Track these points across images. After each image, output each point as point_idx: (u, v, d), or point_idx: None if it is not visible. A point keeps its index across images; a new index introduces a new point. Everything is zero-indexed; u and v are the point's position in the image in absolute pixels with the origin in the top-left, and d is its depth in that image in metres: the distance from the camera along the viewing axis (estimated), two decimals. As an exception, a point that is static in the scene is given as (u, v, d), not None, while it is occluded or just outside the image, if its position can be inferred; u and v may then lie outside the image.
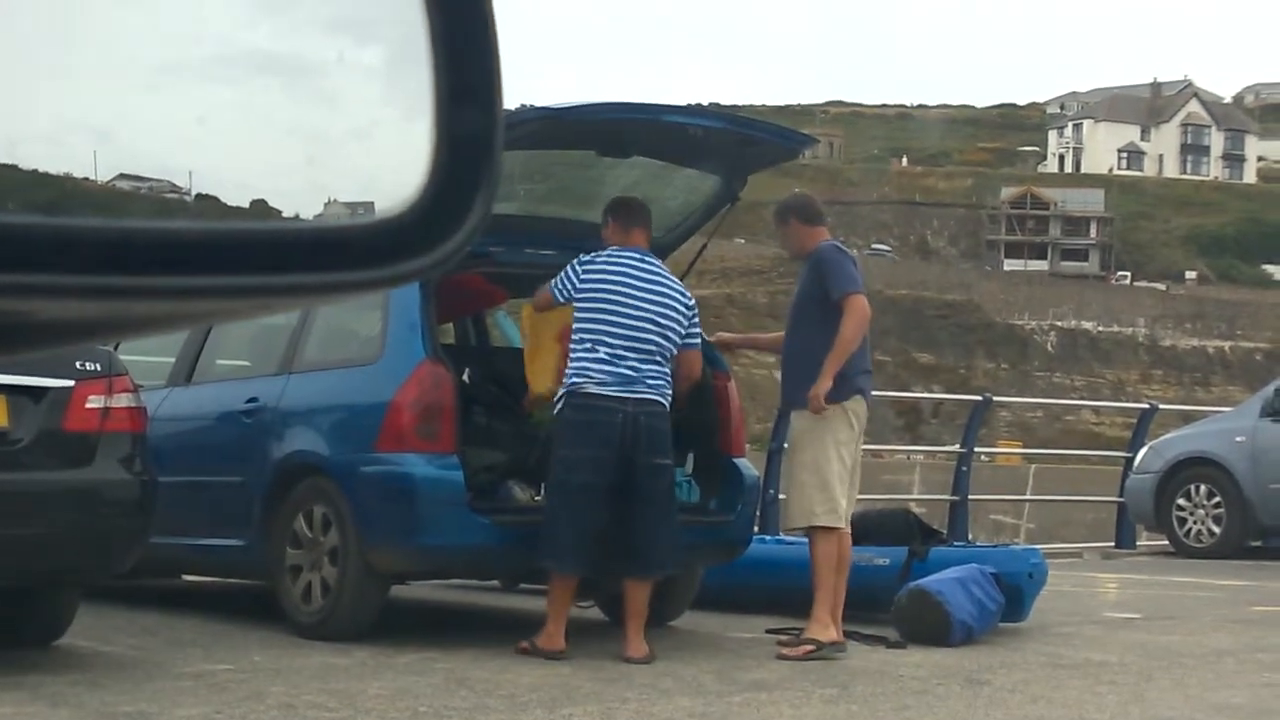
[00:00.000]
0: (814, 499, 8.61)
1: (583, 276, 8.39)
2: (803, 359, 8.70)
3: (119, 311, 1.11)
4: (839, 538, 8.70)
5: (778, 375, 9.39)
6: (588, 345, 8.31)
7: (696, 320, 8.63)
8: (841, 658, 8.40)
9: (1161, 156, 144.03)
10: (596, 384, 8.25)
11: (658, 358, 8.36)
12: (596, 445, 8.22)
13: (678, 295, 8.53)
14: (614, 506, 8.27)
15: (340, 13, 1.30)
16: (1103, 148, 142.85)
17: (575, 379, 8.31)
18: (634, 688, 7.49)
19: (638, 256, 8.52)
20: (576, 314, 8.39)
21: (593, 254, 8.52)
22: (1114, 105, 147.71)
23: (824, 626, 8.50)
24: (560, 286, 8.48)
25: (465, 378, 9.19)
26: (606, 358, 8.27)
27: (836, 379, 8.54)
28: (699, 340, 8.71)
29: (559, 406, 8.38)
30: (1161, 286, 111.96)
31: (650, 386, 8.31)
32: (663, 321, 8.41)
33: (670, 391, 8.43)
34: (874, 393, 9.37)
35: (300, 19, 1.29)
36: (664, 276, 8.56)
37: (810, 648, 8.41)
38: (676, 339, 8.47)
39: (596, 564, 8.40)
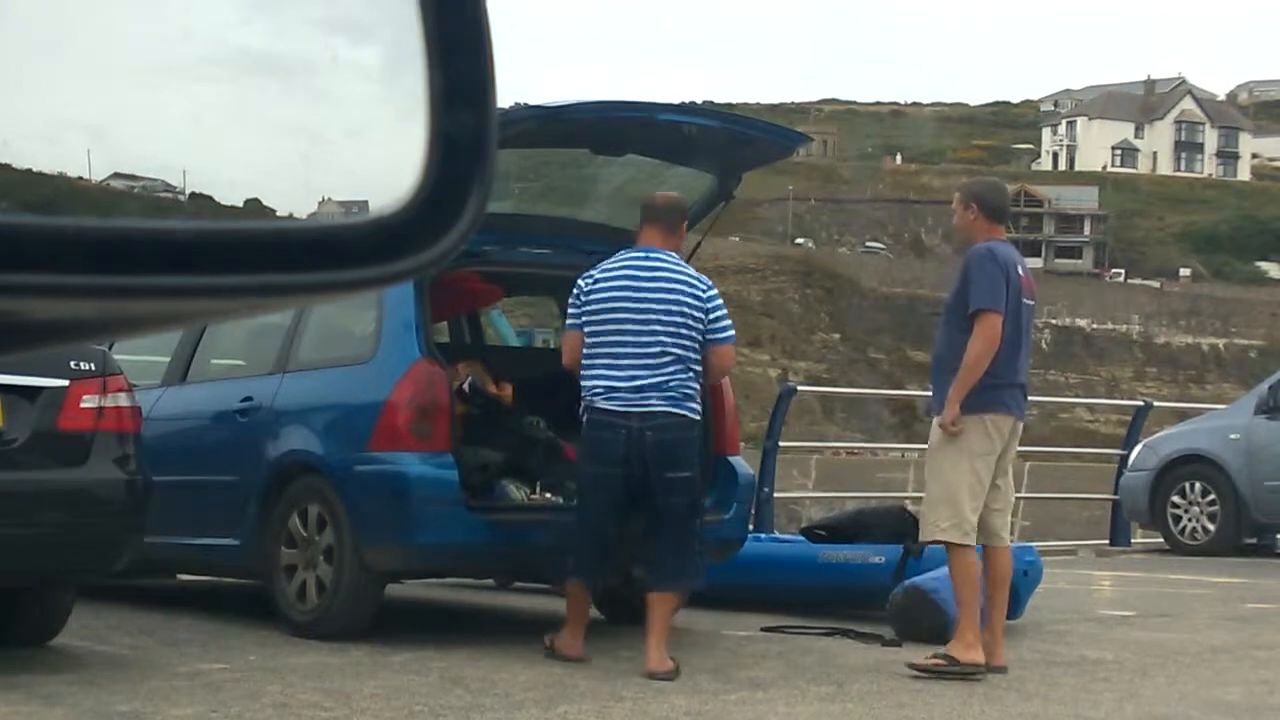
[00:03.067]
0: (940, 513, 8.24)
1: (586, 293, 8.06)
2: (945, 364, 8.31)
3: (113, 311, 1.11)
4: (995, 554, 8.39)
5: (772, 373, 9.38)
6: (595, 358, 8.00)
7: (718, 311, 8.09)
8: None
9: (1155, 154, 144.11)
10: (604, 398, 7.96)
11: (671, 363, 7.93)
12: (603, 462, 7.99)
13: (686, 289, 8.04)
14: (633, 519, 8.10)
15: (334, 13, 1.29)
16: (1096, 145, 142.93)
17: (586, 395, 8.05)
18: (629, 686, 7.49)
19: (640, 256, 8.12)
20: (588, 325, 8.06)
21: (590, 270, 8.26)
22: (1108, 102, 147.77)
23: (966, 646, 8.04)
24: (571, 315, 8.17)
25: (466, 387, 9.19)
26: (613, 371, 7.94)
27: (976, 390, 8.13)
28: (725, 333, 8.12)
29: (583, 419, 8.16)
30: (1156, 284, 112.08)
31: (663, 397, 7.90)
32: (671, 321, 7.95)
33: (691, 398, 8.00)
34: (868, 390, 9.34)
35: (294, 19, 1.29)
36: (671, 271, 8.08)
37: (941, 661, 8.00)
38: (693, 336, 8.00)
39: (609, 574, 8.33)
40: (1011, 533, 20.32)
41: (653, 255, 8.10)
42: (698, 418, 8.04)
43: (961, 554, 8.23)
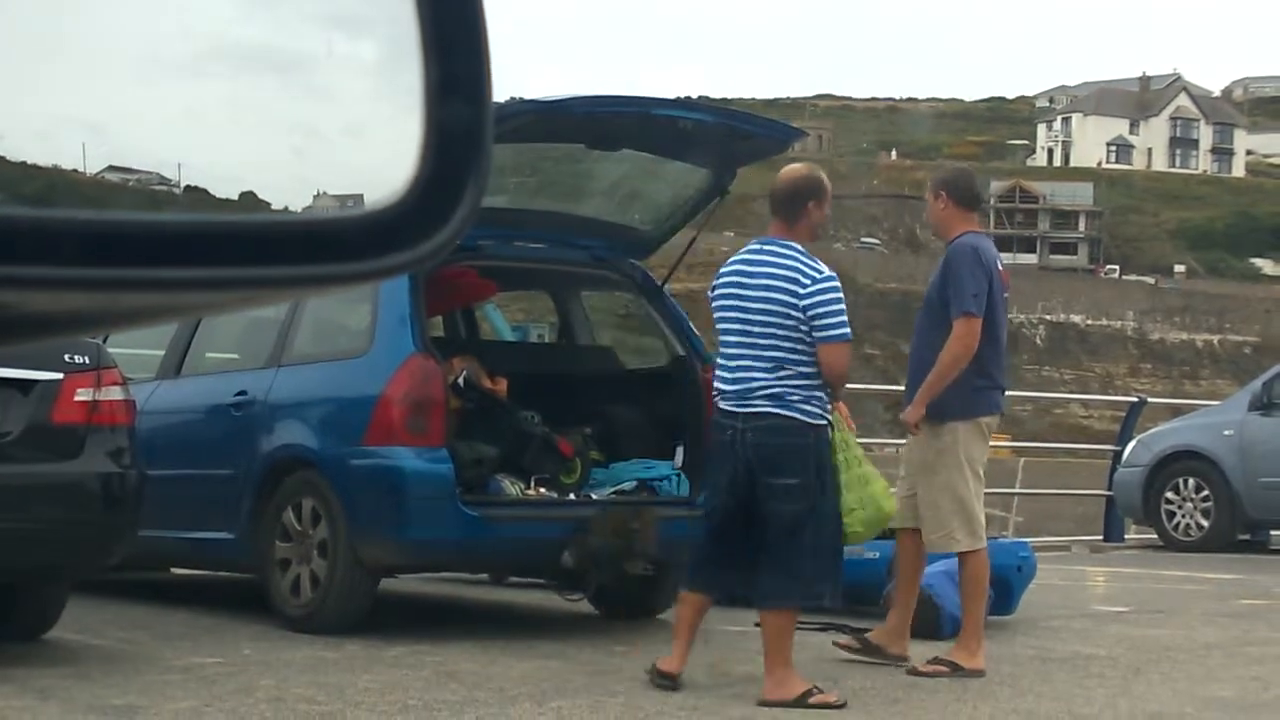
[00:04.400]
0: (953, 524, 8.13)
1: (712, 289, 7.62)
2: (925, 365, 8.19)
3: (108, 304, 1.11)
4: (908, 536, 8.36)
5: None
6: (719, 358, 7.61)
7: (821, 307, 7.32)
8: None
9: (1150, 150, 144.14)
10: (719, 399, 7.54)
11: (773, 362, 7.34)
12: (718, 466, 7.61)
13: (783, 285, 7.37)
14: (748, 528, 7.49)
15: (331, 8, 1.30)
16: (1091, 141, 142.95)
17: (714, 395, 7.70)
18: (623, 681, 7.49)
19: (755, 249, 7.57)
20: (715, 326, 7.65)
21: None
22: (1103, 99, 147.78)
23: (970, 653, 8.00)
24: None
25: (461, 381, 9.19)
26: (723, 371, 7.49)
27: (968, 393, 8.04)
28: (827, 331, 7.33)
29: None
30: (1150, 280, 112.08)
31: (767, 398, 7.34)
32: (768, 320, 7.35)
33: (804, 400, 7.35)
34: (862, 386, 9.24)
35: (291, 13, 1.29)
36: (774, 265, 7.41)
37: (945, 668, 7.93)
38: (795, 335, 7.33)
39: (720, 587, 7.73)
40: (1005, 528, 20.32)
41: (765, 248, 7.51)
42: (813, 421, 7.36)
43: (978, 558, 8.17)
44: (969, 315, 7.98)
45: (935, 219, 8.49)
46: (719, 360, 7.59)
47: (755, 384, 7.33)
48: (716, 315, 7.55)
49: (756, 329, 7.35)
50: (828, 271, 7.45)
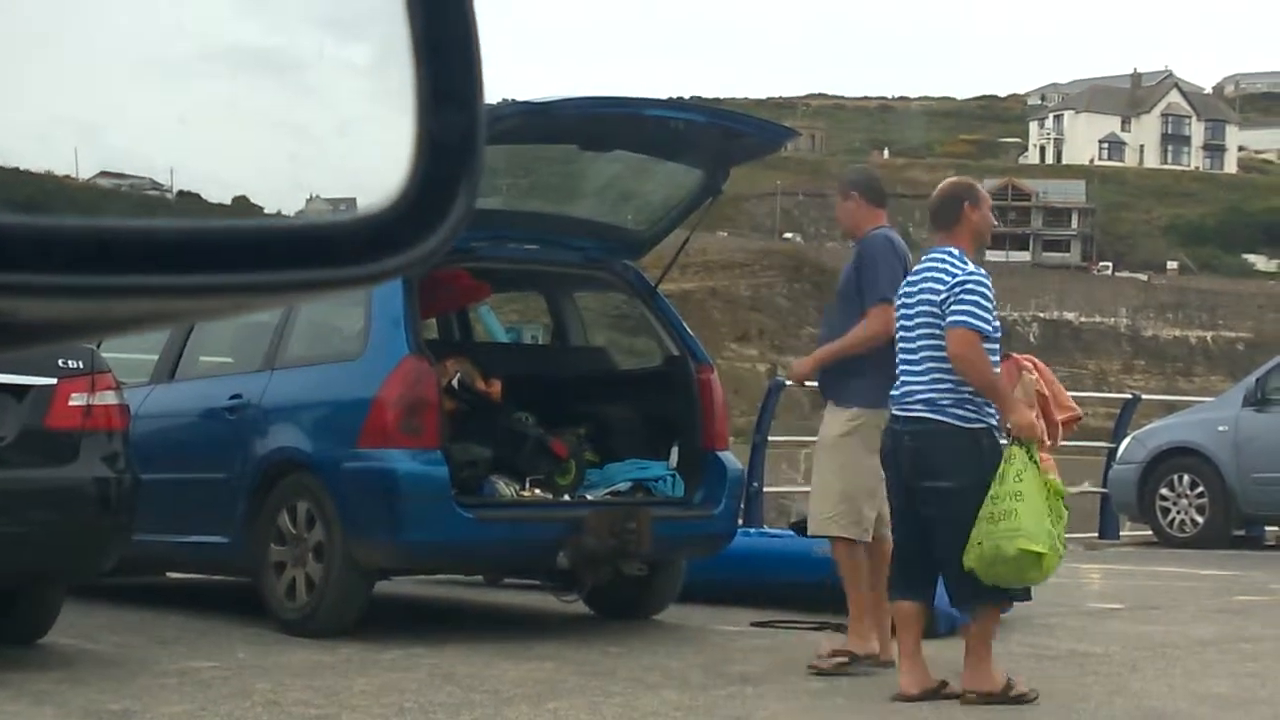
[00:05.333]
0: (836, 508, 8.12)
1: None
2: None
3: (100, 311, 1.11)
4: (876, 548, 8.15)
5: (761, 368, 9.32)
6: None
7: (957, 295, 7.29)
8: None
9: (1142, 147, 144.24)
10: (890, 404, 7.59)
11: (931, 366, 7.36)
12: (887, 470, 7.63)
13: (934, 288, 7.39)
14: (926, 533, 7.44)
15: (322, 11, 1.29)
16: (1083, 138, 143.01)
17: None
18: (619, 682, 7.49)
19: (923, 260, 7.65)
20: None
21: None
22: (1095, 96, 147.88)
23: (860, 639, 8.03)
24: None
25: (455, 383, 9.19)
26: (894, 374, 7.54)
27: (878, 383, 7.91)
28: (953, 317, 7.29)
29: None
30: (1143, 277, 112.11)
31: (922, 401, 7.37)
32: (924, 324, 7.41)
33: (958, 403, 7.33)
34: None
35: (284, 17, 1.29)
36: (931, 272, 7.45)
37: (843, 660, 7.95)
38: (941, 336, 7.35)
39: (920, 591, 7.55)
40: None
41: (929, 257, 7.58)
42: (967, 425, 7.30)
43: (853, 549, 8.12)
44: (886, 302, 7.97)
45: (846, 218, 8.53)
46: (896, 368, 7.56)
47: (911, 389, 7.41)
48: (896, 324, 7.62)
49: (911, 334, 7.45)
50: (973, 267, 7.46)
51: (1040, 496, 7.15)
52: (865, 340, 8.04)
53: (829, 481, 8.18)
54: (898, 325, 7.56)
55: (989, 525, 7.09)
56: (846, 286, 8.32)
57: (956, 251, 7.49)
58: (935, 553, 7.34)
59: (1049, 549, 7.14)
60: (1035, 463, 7.24)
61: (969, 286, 7.33)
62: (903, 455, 7.39)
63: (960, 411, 7.31)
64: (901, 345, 7.50)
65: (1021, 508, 7.09)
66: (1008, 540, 7.05)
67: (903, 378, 7.45)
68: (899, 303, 7.59)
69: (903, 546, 7.59)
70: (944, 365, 7.31)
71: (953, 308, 7.30)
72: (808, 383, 8.79)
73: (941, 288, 7.34)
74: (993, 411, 7.36)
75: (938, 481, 7.27)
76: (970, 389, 7.32)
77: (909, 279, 7.64)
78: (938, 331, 7.33)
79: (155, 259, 1.08)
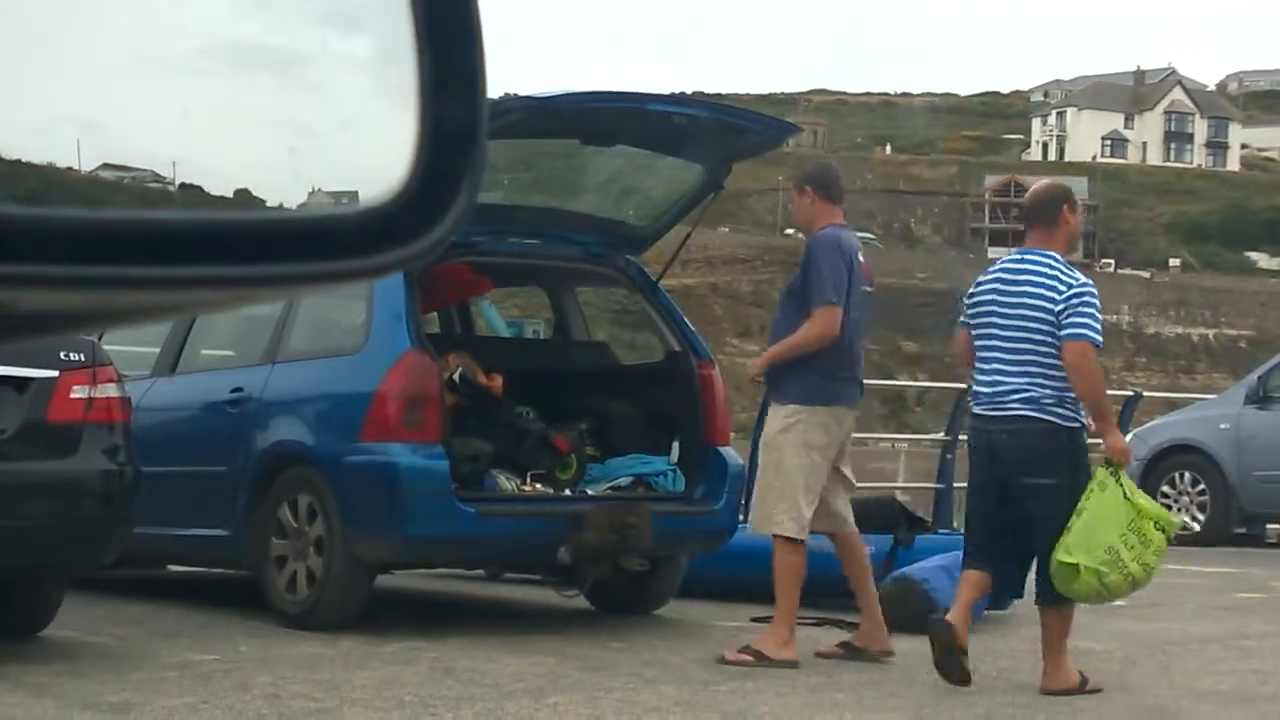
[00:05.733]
0: (779, 506, 8.19)
1: (969, 295, 7.90)
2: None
3: (102, 302, 1.11)
4: (849, 539, 8.36)
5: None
6: (977, 366, 7.81)
7: (1074, 308, 7.50)
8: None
9: (1145, 144, 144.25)
10: (975, 403, 7.87)
11: (1032, 367, 7.55)
12: (976, 467, 7.82)
13: (1046, 292, 7.57)
14: (1012, 527, 7.64)
15: (326, 5, 1.29)
16: (1086, 135, 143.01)
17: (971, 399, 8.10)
18: (619, 677, 7.49)
19: (1015, 260, 7.86)
20: (971, 333, 7.86)
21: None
22: (1097, 93, 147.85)
23: (779, 643, 8.08)
24: (963, 316, 7.98)
25: (456, 377, 9.19)
26: (982, 376, 7.73)
27: (815, 381, 8.15)
28: (1072, 329, 7.50)
29: None
30: (1145, 274, 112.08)
31: (1022, 400, 7.54)
32: (1031, 327, 7.56)
33: (1058, 403, 7.53)
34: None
35: (285, 11, 1.29)
36: (1037, 274, 7.62)
37: (749, 657, 7.97)
38: (1049, 339, 7.53)
39: (992, 565, 7.73)
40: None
41: (1026, 258, 7.75)
42: (1065, 424, 7.54)
43: (793, 549, 8.18)
44: (829, 304, 8.11)
45: (801, 213, 8.58)
46: (979, 367, 7.76)
47: (1008, 388, 7.55)
48: (974, 320, 7.77)
49: (1012, 334, 7.58)
50: (1083, 277, 7.70)
51: (1110, 517, 7.41)
52: (810, 341, 8.16)
53: (768, 479, 8.28)
54: (981, 323, 7.72)
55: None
56: (795, 285, 8.44)
57: (1059, 257, 7.70)
58: (1033, 546, 7.56)
59: (1096, 564, 7.35)
60: (1121, 485, 7.50)
61: (1086, 299, 7.55)
62: (1001, 452, 7.57)
63: (1061, 410, 7.53)
64: (990, 344, 7.67)
65: (1078, 523, 7.39)
66: (1059, 550, 7.39)
67: (994, 377, 7.63)
68: (980, 300, 7.75)
69: (982, 539, 7.72)
70: (1050, 368, 7.51)
71: (1072, 319, 7.50)
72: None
73: (1055, 295, 7.53)
74: (1084, 411, 7.60)
75: (1041, 478, 7.48)
76: (1070, 390, 7.53)
77: (999, 276, 7.77)
78: (1048, 336, 7.52)
79: (157, 251, 1.08)
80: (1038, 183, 8.18)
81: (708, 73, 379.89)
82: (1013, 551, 7.69)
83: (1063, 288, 7.54)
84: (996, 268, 7.95)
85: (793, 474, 8.16)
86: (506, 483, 9.12)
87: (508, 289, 12.36)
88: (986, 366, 7.67)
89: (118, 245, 1.06)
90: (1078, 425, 7.58)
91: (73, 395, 7.68)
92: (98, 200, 1.27)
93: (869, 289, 8.54)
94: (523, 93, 8.97)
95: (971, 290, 7.87)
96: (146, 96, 1.21)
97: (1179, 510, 16.94)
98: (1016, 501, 7.55)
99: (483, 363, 9.65)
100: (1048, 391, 7.52)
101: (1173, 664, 8.43)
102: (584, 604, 9.71)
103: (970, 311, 7.83)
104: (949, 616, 7.51)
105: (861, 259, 8.45)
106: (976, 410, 7.80)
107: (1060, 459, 7.52)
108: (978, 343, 7.75)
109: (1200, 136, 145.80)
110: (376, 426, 8.60)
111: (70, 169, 1.21)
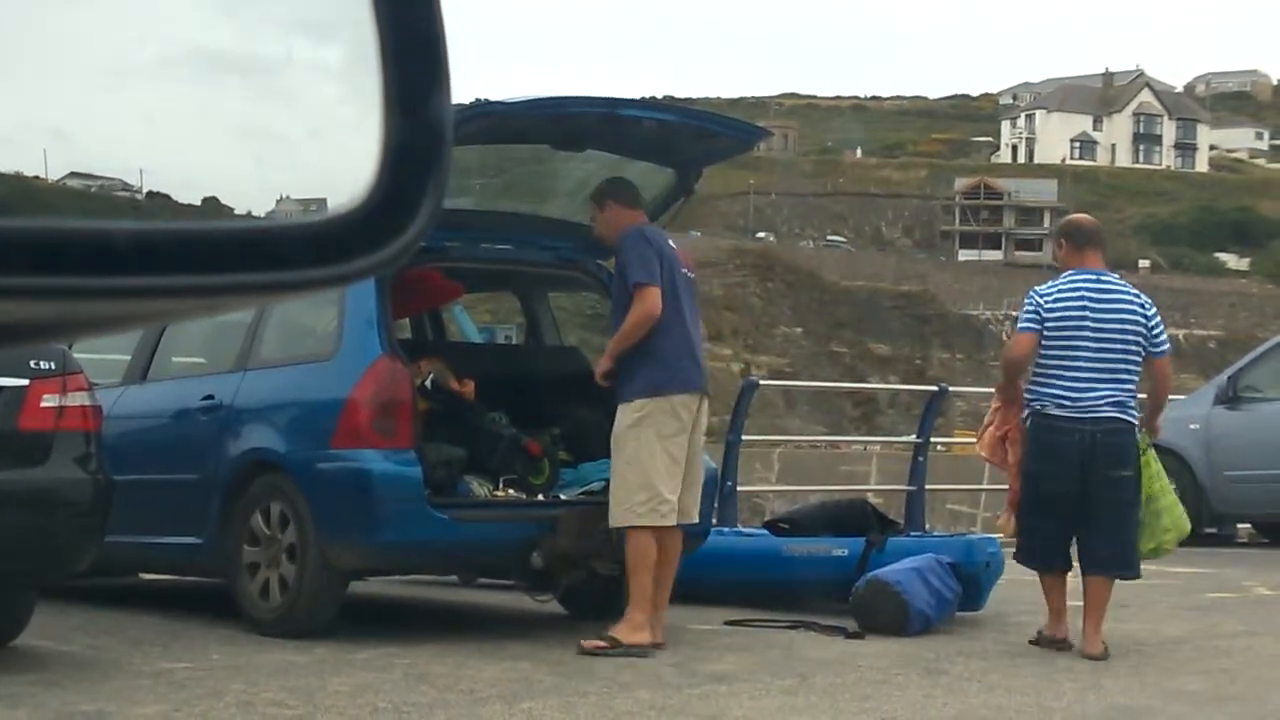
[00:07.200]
0: (636, 497, 8.28)
1: (1047, 306, 8.74)
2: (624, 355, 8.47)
3: (62, 313, 1.10)
4: (665, 535, 8.36)
5: (734, 367, 9.33)
6: (1055, 371, 8.70)
7: (1159, 327, 8.90)
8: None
9: (1114, 146, 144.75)
10: (1058, 407, 8.68)
11: (1121, 375, 8.72)
12: (1056, 462, 8.69)
13: (1135, 310, 8.81)
14: (1079, 512, 8.78)
15: (293, 13, 1.30)
16: (1055, 137, 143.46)
17: (1039, 402, 8.76)
18: (593, 681, 7.49)
19: (1094, 278, 8.81)
20: (1044, 339, 8.71)
21: (1049, 282, 8.94)
22: (1066, 95, 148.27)
23: (633, 628, 8.19)
24: (1028, 320, 8.81)
25: (428, 383, 9.18)
26: (1071, 383, 8.67)
27: (656, 370, 8.30)
28: (1164, 346, 8.94)
29: (1027, 424, 8.88)
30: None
31: (1112, 404, 8.69)
32: (1125, 339, 8.73)
33: (1133, 405, 8.80)
34: (830, 384, 9.34)
35: (252, 19, 1.29)
36: (1122, 293, 8.87)
37: (604, 644, 8.13)
38: (1138, 351, 8.77)
39: (1065, 560, 8.93)
40: (974, 524, 20.36)
41: (1104, 278, 8.88)
42: (1135, 423, 8.84)
43: (642, 536, 8.29)
44: (642, 285, 8.32)
45: (604, 226, 8.76)
46: (1051, 371, 8.72)
47: (1104, 392, 8.66)
48: (1055, 330, 8.71)
49: (1105, 345, 8.68)
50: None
51: (1166, 489, 9.18)
52: (637, 324, 8.35)
53: (623, 473, 8.39)
54: (1072, 334, 8.67)
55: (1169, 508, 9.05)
56: (616, 289, 8.63)
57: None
58: (1120, 529, 8.77)
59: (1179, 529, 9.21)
60: (1151, 462, 9.09)
61: (1161, 320, 8.96)
62: (1098, 450, 8.66)
63: (1134, 411, 8.85)
64: (1077, 353, 8.65)
65: (1168, 502, 9.11)
66: (1182, 517, 9.18)
67: (1085, 382, 8.66)
68: (1071, 313, 8.69)
69: (1055, 526, 8.80)
70: (1131, 376, 8.75)
71: (1160, 335, 8.90)
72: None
73: (1145, 314, 8.82)
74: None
75: (1124, 470, 8.74)
76: (1135, 394, 8.86)
77: (1085, 293, 8.73)
78: (1136, 349, 8.74)
79: (113, 261, 1.08)
80: (1076, 214, 9.40)
81: (678, 77, 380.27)
82: (1073, 532, 8.85)
83: (1148, 308, 8.87)
84: (1077, 286, 8.75)
85: (646, 464, 8.30)
86: (479, 488, 9.10)
87: (480, 294, 12.35)
88: (1069, 373, 8.64)
89: (72, 256, 1.06)
90: (1137, 423, 8.87)
91: (43, 404, 7.65)
92: (59, 209, 1.27)
93: (690, 274, 8.71)
94: (493, 98, 8.98)
95: (1050, 303, 8.71)
96: (115, 104, 1.21)
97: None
98: (1099, 488, 8.66)
99: (455, 368, 9.64)
100: (1127, 396, 8.74)
101: (1144, 664, 8.46)
102: (557, 609, 9.71)
103: (1054, 320, 8.67)
104: (1087, 650, 8.55)
105: (674, 245, 8.65)
106: (1059, 413, 8.67)
107: (1135, 453, 8.82)
108: (1060, 350, 8.66)
109: (1169, 138, 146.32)
110: (349, 433, 8.59)
111: (37, 178, 1.21)
